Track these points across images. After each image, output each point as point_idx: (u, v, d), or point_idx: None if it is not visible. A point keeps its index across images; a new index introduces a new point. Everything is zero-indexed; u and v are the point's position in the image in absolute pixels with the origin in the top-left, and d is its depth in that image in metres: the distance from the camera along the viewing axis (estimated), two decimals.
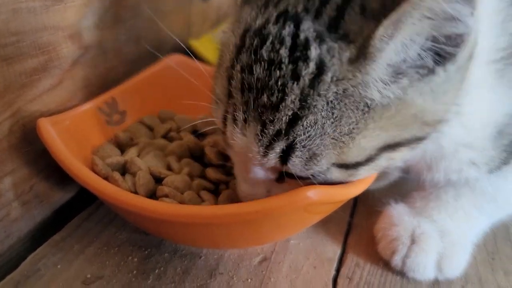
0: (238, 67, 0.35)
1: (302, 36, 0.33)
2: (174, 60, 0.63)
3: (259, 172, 0.40)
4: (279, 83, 0.33)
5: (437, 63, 0.33)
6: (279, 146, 0.35)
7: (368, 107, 0.34)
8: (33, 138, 0.47)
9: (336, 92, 0.33)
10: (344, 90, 0.33)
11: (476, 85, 0.39)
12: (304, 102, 0.33)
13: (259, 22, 0.35)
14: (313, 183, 0.37)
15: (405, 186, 0.54)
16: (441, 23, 0.31)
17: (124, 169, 0.49)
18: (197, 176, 0.50)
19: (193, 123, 0.56)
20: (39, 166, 0.49)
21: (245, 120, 0.35)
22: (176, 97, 0.60)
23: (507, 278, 0.47)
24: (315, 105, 0.33)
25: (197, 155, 0.53)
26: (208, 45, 0.79)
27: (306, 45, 0.33)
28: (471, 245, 0.49)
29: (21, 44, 0.43)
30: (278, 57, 0.33)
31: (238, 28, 0.37)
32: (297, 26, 0.33)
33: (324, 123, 0.34)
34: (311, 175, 0.37)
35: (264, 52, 0.34)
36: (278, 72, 0.33)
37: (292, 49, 0.33)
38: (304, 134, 0.34)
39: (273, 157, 0.35)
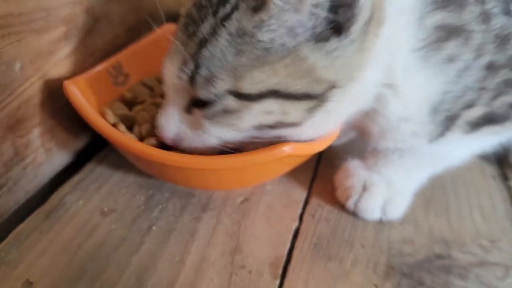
0: (184, 14, 0.45)
1: None
2: (168, 29, 0.71)
3: (173, 102, 0.48)
4: (202, 17, 0.42)
5: (330, 31, 0.40)
6: (190, 65, 0.43)
7: (267, 50, 0.40)
8: (56, 96, 0.55)
9: (237, 28, 0.40)
10: (245, 29, 0.40)
11: (404, 70, 0.45)
12: (213, 30, 0.41)
13: None
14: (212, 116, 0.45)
15: (362, 147, 0.62)
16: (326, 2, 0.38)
17: (131, 122, 0.58)
18: None
19: None
20: (60, 118, 0.58)
21: (174, 51, 0.45)
22: None
23: (436, 219, 0.58)
24: (220, 34, 0.41)
25: None
26: None
27: None
28: (411, 194, 0.58)
29: (49, 18, 0.51)
30: (209, 2, 0.42)
31: None
32: None
33: (225, 51, 0.41)
34: (211, 97, 0.43)
35: (202, 1, 0.43)
36: (204, 10, 0.42)
37: None
38: (208, 55, 0.42)
39: (185, 76, 0.43)
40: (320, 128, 0.48)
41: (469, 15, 0.44)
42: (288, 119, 0.44)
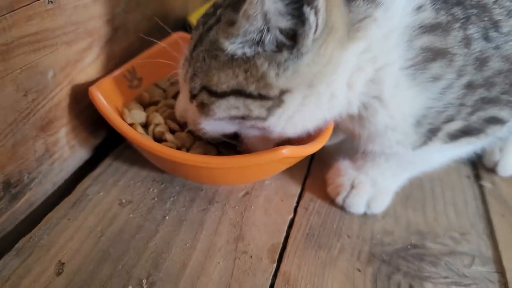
0: (196, 21, 0.56)
1: (223, 3, 0.50)
2: (178, 36, 0.78)
3: (184, 92, 0.57)
4: (200, 25, 0.53)
5: (281, 47, 0.45)
6: (186, 63, 0.54)
7: (231, 57, 0.48)
8: (80, 98, 0.62)
9: (215, 38, 0.49)
10: (218, 39, 0.48)
11: (393, 86, 0.50)
12: (200, 36, 0.51)
13: None
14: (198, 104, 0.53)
15: (351, 148, 0.68)
16: (277, 18, 0.43)
17: (146, 122, 0.65)
18: None
19: None
20: (82, 118, 0.64)
21: (185, 49, 0.55)
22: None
23: (414, 213, 0.66)
24: (204, 40, 0.50)
25: None
26: None
27: (219, 7, 0.51)
28: (393, 192, 0.65)
29: (77, 31, 0.57)
30: (209, 12, 0.53)
31: None
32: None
33: (205, 53, 0.50)
34: (193, 91, 0.52)
35: (208, 10, 0.53)
36: (203, 19, 0.53)
37: (214, 9, 0.52)
38: (195, 57, 0.51)
39: (184, 71, 0.54)
40: (293, 126, 0.53)
41: (453, 39, 0.48)
42: (253, 114, 0.50)
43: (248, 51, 0.47)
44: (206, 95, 0.51)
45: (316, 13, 0.41)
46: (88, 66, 0.62)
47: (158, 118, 0.64)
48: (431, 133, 0.55)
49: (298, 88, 0.48)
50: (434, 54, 0.49)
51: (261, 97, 0.48)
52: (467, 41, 0.49)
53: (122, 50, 0.71)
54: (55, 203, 0.59)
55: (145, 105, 0.69)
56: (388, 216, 0.65)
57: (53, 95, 0.56)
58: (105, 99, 0.61)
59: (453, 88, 0.51)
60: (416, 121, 0.53)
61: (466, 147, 0.61)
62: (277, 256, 0.56)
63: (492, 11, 0.50)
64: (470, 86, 0.51)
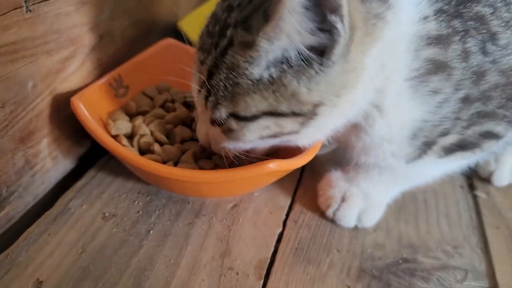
0: (200, 36, 0.51)
1: (228, 21, 0.46)
2: (166, 43, 0.76)
3: (202, 116, 0.54)
4: (209, 47, 0.48)
5: (313, 55, 0.43)
6: (204, 91, 0.49)
7: (256, 80, 0.45)
8: (62, 108, 0.60)
9: (232, 63, 0.45)
10: (238, 63, 0.45)
11: (395, 96, 0.49)
12: (215, 62, 0.47)
13: (216, 9, 0.49)
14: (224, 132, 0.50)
15: (344, 157, 0.65)
16: (306, 35, 0.41)
17: (132, 133, 0.63)
18: (188, 138, 0.65)
19: (184, 96, 0.71)
20: (65, 128, 0.63)
21: (195, 72, 0.50)
22: (168, 73, 0.74)
23: (406, 226, 0.64)
24: (220, 66, 0.46)
25: (187, 123, 0.68)
26: (194, 22, 0.90)
27: (227, 27, 0.46)
28: (385, 205, 0.64)
29: (59, 40, 0.56)
30: (214, 31, 0.48)
31: (209, 15, 0.51)
32: (229, 14, 0.47)
33: (226, 81, 0.46)
34: (219, 120, 0.49)
35: (210, 27, 0.49)
36: (210, 40, 0.48)
37: (221, 28, 0.47)
38: (214, 85, 0.47)
39: (201, 99, 0.50)
40: (320, 133, 0.52)
41: (453, 53, 0.48)
42: (285, 131, 0.48)
43: (274, 71, 0.45)
44: (234, 122, 0.48)
45: (342, 20, 0.39)
46: (71, 75, 0.61)
47: (143, 129, 0.63)
48: (426, 146, 0.54)
49: (329, 99, 0.46)
50: (435, 67, 0.48)
51: (294, 113, 0.46)
52: (465, 55, 0.48)
53: (108, 57, 0.69)
54: (36, 217, 0.57)
55: (131, 115, 0.67)
56: (379, 229, 0.63)
57: (33, 105, 0.54)
58: (89, 109, 0.59)
59: (449, 102, 0.50)
60: (411, 133, 0.53)
61: (461, 162, 0.60)
62: (264, 273, 0.54)
63: (490, 22, 0.49)
64: (466, 100, 0.50)
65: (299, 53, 0.43)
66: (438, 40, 0.47)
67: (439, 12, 0.47)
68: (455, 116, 0.51)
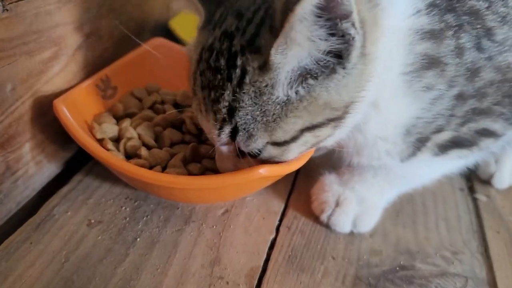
0: (198, 73, 0.47)
1: (233, 49, 0.43)
2: (156, 42, 0.74)
3: (224, 149, 0.51)
4: (220, 83, 0.44)
5: (333, 68, 0.42)
6: (227, 129, 0.45)
7: (284, 101, 0.43)
8: (45, 111, 0.58)
9: (254, 91, 0.43)
10: (259, 90, 0.43)
11: (391, 92, 0.48)
12: (234, 97, 0.43)
13: (209, 40, 0.46)
14: (262, 159, 0.49)
15: (339, 162, 0.62)
16: (319, 42, 0.40)
17: (118, 136, 0.61)
18: (178, 141, 0.63)
19: (174, 97, 0.69)
20: (49, 132, 0.60)
21: (206, 111, 0.47)
22: (158, 73, 0.72)
23: (404, 230, 0.62)
24: (242, 99, 0.43)
25: (177, 125, 0.65)
26: (185, 22, 0.88)
27: (235, 56, 0.43)
28: (381, 209, 0.62)
29: (40, 40, 0.53)
30: (219, 65, 0.44)
31: (197, 48, 0.48)
32: (231, 41, 0.44)
33: (253, 113, 0.44)
34: (255, 151, 0.47)
35: (212, 62, 0.45)
36: (219, 75, 0.44)
37: (228, 59, 0.44)
38: (241, 120, 0.44)
39: (225, 137, 0.46)
40: (346, 130, 0.50)
41: (446, 48, 0.46)
42: (321, 138, 0.47)
43: (300, 88, 0.43)
44: (273, 148, 0.47)
45: (353, 25, 0.39)
46: (55, 77, 0.58)
47: (130, 132, 0.60)
48: (420, 143, 0.53)
49: (358, 96, 0.45)
50: (429, 62, 0.47)
51: (330, 120, 0.46)
52: (459, 51, 0.47)
53: (95, 58, 0.66)
54: (19, 224, 0.55)
55: (118, 117, 0.65)
56: (376, 234, 0.61)
57: (12, 109, 0.52)
58: (74, 112, 0.57)
59: (443, 99, 0.49)
60: (405, 130, 0.51)
61: (458, 161, 0.58)
62: (255, 282, 0.52)
63: (485, 17, 0.47)
64: (460, 97, 0.49)
65: (317, 62, 0.42)
66: (431, 35, 0.46)
67: (431, 6, 0.46)
68: (449, 113, 0.50)
